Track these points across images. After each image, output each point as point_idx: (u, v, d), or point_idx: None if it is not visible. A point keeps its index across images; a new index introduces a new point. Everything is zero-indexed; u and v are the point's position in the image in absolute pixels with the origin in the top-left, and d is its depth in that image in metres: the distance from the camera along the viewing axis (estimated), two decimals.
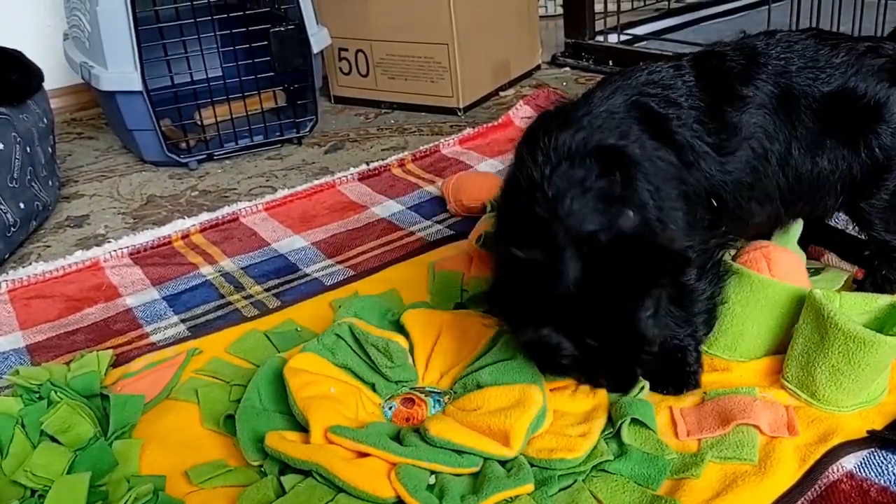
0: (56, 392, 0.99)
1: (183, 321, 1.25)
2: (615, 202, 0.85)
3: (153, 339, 1.21)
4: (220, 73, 1.92)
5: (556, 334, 0.84)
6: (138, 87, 1.77)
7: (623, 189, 0.86)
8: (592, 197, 0.84)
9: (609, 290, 0.81)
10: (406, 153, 1.81)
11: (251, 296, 1.31)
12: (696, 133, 0.96)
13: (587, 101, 0.98)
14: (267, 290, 1.32)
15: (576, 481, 0.86)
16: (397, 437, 0.91)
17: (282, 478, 0.87)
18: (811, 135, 1.00)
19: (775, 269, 1.04)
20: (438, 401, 1.00)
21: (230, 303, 1.29)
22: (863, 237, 1.11)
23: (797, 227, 1.14)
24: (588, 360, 0.88)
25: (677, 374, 0.98)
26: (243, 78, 1.88)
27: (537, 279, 0.82)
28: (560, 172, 0.86)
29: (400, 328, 1.10)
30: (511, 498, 0.83)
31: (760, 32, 1.10)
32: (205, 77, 1.88)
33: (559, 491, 0.85)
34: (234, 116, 1.90)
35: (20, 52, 1.68)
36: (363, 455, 0.88)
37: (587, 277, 0.80)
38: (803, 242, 1.18)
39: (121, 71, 1.78)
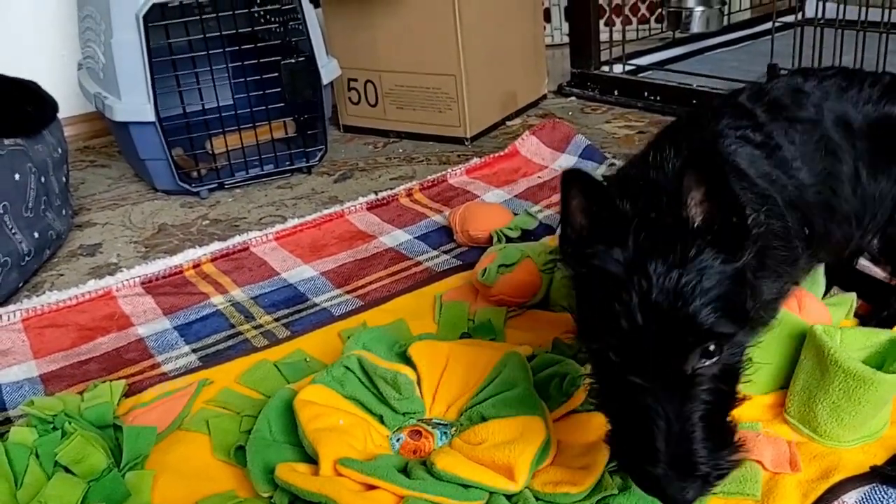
0: (70, 423, 1.01)
1: (194, 351, 1.27)
2: None
3: (165, 368, 1.23)
4: (232, 103, 1.95)
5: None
6: (151, 117, 1.80)
7: None
8: None
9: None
10: (414, 182, 1.83)
11: (261, 325, 1.33)
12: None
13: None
14: (276, 319, 1.34)
15: None
16: (405, 470, 0.92)
17: None
18: (868, 155, 1.07)
19: (805, 313, 1.06)
20: (445, 433, 1.01)
21: (240, 332, 1.31)
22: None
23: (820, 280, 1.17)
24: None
25: None
26: (254, 108, 1.92)
27: None
28: None
29: (407, 360, 1.12)
30: None
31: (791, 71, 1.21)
32: (216, 106, 1.91)
33: None
34: (244, 146, 1.93)
35: (35, 84, 1.71)
36: (371, 487, 0.89)
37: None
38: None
39: (134, 102, 1.82)
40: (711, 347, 0.73)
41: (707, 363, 0.74)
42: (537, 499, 0.88)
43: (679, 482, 0.72)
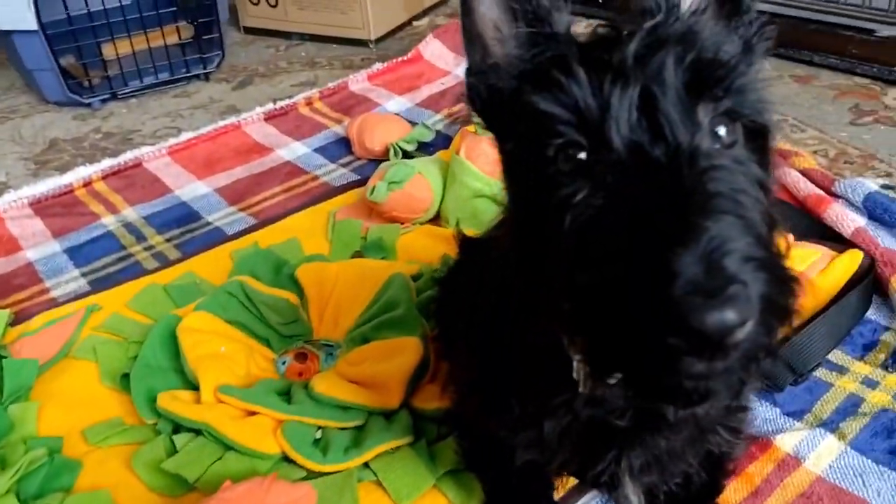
0: None
1: (83, 275, 1.26)
2: None
3: (54, 294, 1.22)
4: (119, 6, 1.85)
5: None
6: (34, 25, 1.71)
7: None
8: None
9: None
10: (314, 91, 1.80)
11: (152, 247, 1.32)
12: None
13: None
14: (168, 240, 1.33)
15: None
16: (288, 393, 0.95)
17: (174, 437, 0.91)
18: None
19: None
20: (331, 353, 1.04)
21: (131, 254, 1.30)
22: None
23: None
24: None
25: None
26: (144, 13, 1.83)
27: None
28: None
29: (296, 282, 1.14)
30: (393, 449, 0.89)
31: None
32: (102, 10, 1.81)
33: (438, 440, 0.91)
34: (136, 52, 1.85)
35: None
36: (252, 413, 0.92)
37: None
38: None
39: (14, 8, 1.71)
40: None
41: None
42: (420, 415, 0.92)
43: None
